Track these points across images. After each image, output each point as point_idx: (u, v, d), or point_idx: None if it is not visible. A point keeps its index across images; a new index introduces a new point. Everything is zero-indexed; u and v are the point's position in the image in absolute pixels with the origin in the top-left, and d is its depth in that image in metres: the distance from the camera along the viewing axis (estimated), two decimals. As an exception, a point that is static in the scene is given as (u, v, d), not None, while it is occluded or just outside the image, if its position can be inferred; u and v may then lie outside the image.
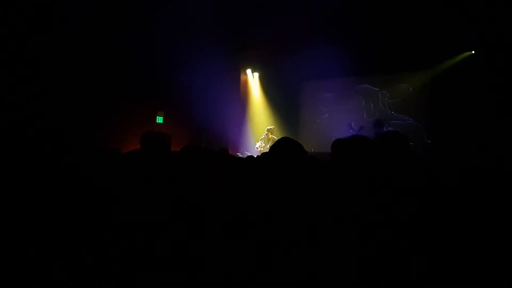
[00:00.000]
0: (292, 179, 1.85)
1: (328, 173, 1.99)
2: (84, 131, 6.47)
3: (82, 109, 6.71)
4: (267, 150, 8.13)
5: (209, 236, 1.80)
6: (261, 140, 9.48)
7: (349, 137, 2.07)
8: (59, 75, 6.29)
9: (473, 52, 9.09)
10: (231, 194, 1.97)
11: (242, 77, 11.46)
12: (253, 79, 11.71)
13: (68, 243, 1.93)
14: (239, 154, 9.50)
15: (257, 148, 9.38)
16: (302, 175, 1.86)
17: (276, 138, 9.25)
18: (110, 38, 7.09)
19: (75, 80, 6.62)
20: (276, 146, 2.03)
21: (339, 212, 1.67)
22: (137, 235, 1.87)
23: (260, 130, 10.70)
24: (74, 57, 6.49)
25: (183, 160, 2.22)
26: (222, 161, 2.80)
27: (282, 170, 1.89)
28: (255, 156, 6.66)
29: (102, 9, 6.83)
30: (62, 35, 6.27)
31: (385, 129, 8.18)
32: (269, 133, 9.38)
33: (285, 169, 1.88)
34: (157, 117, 9.01)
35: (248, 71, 11.55)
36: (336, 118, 10.53)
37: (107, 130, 7.26)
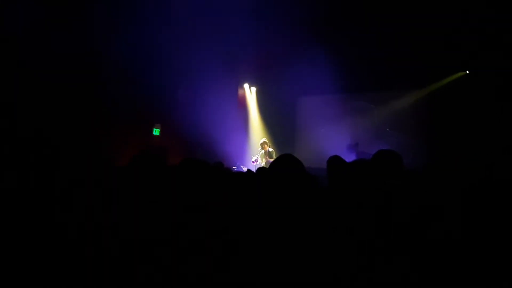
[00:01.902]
0: (292, 198, 1.86)
1: (325, 193, 2.01)
2: (80, 143, 6.47)
3: (79, 121, 6.73)
4: (263, 163, 8.15)
5: (209, 253, 1.81)
6: (257, 154, 9.51)
7: (346, 162, 2.09)
8: (54, 86, 6.33)
9: (467, 72, 9.23)
10: (230, 211, 1.98)
11: (240, 91, 11.55)
12: (250, 94, 11.80)
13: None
14: (235, 168, 9.51)
15: (253, 162, 9.40)
16: (302, 195, 1.87)
17: (271, 150, 9.29)
18: (107, 49, 7.14)
19: (71, 92, 6.67)
20: (277, 163, 2.02)
21: (335, 232, 1.69)
22: (134, 252, 1.88)
23: (256, 143, 10.74)
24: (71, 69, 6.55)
25: (183, 174, 2.24)
26: (221, 176, 2.81)
27: (283, 188, 1.89)
28: (251, 169, 6.68)
29: (98, 22, 6.90)
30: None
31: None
32: (265, 146, 9.41)
33: (285, 187, 1.89)
34: (154, 129, 9.05)
35: (246, 85, 11.65)
36: (332, 134, 10.57)
37: (104, 142, 7.26)
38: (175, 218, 1.96)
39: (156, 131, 9.02)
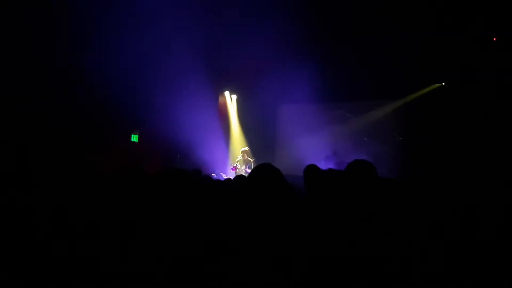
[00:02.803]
0: (270, 209, 1.86)
1: (304, 203, 2.02)
2: (57, 150, 6.35)
3: (55, 128, 6.63)
4: (243, 172, 8.16)
5: (190, 262, 1.80)
6: (237, 162, 9.51)
7: (322, 170, 2.12)
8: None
9: (443, 83, 9.49)
10: (208, 219, 1.98)
11: (220, 99, 11.55)
12: (231, 101, 11.82)
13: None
14: (214, 175, 9.48)
15: (232, 169, 9.40)
16: (280, 205, 1.88)
17: (250, 160, 9.32)
18: (83, 56, 7.07)
19: (49, 98, 6.58)
20: (256, 172, 2.03)
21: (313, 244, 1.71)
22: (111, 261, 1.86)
23: (236, 151, 10.74)
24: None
25: (161, 184, 2.22)
26: (198, 184, 2.80)
27: (261, 198, 1.90)
28: (230, 178, 6.67)
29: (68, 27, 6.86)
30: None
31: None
32: (244, 154, 9.42)
33: (264, 198, 1.90)
34: (132, 135, 8.95)
35: (226, 93, 11.66)
36: (311, 142, 10.67)
37: (82, 148, 7.13)
38: (156, 228, 1.95)
39: (135, 138, 8.92)
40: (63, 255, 1.94)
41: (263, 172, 2.12)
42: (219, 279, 1.76)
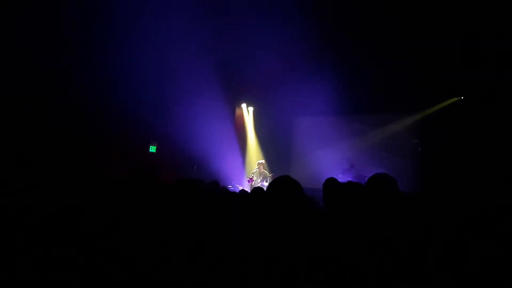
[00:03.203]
0: (289, 221, 1.87)
1: (322, 216, 2.03)
2: (76, 160, 6.49)
3: (75, 137, 6.78)
4: (259, 184, 8.16)
5: (206, 272, 1.82)
6: (252, 173, 9.53)
7: (341, 183, 2.12)
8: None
9: (462, 97, 9.39)
10: (226, 231, 2.00)
11: (237, 111, 11.64)
12: (247, 113, 11.90)
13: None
14: (230, 187, 9.51)
15: (248, 180, 9.42)
16: (300, 217, 1.89)
17: (266, 172, 9.34)
18: (104, 67, 7.25)
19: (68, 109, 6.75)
20: (276, 185, 2.04)
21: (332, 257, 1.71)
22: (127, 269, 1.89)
23: (252, 163, 10.76)
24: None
25: (177, 194, 2.26)
26: (217, 196, 2.83)
27: (281, 209, 1.91)
28: (246, 189, 6.69)
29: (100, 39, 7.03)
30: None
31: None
32: (261, 167, 9.45)
33: (283, 209, 1.91)
34: (150, 146, 9.08)
35: (243, 105, 11.75)
36: (327, 155, 10.62)
37: (101, 159, 7.27)
38: (167, 235, 1.98)
39: (153, 148, 9.04)
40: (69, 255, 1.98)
41: (283, 185, 2.14)
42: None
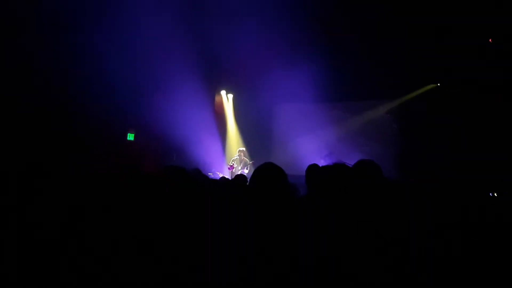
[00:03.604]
0: (275, 208, 1.86)
1: (308, 202, 2.03)
2: (53, 150, 6.31)
3: (51, 126, 6.60)
4: (240, 171, 8.17)
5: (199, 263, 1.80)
6: (233, 161, 9.51)
7: (327, 166, 2.12)
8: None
9: (438, 84, 9.55)
10: (213, 220, 1.98)
11: (217, 98, 11.53)
12: (227, 101, 11.81)
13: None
14: (211, 174, 9.46)
15: (229, 168, 9.39)
16: (285, 205, 1.88)
17: (247, 160, 9.33)
18: (81, 52, 7.05)
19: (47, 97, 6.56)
20: (261, 172, 2.03)
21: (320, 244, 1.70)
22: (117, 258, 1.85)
23: (232, 150, 10.73)
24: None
25: (166, 182, 2.21)
26: (199, 184, 2.79)
27: (267, 197, 1.90)
28: (227, 176, 6.66)
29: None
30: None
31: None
32: (241, 154, 9.43)
33: (269, 197, 1.90)
34: (128, 134, 8.92)
35: (223, 92, 11.65)
36: (307, 142, 10.68)
37: (76, 146, 7.09)
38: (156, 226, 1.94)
39: (131, 136, 8.88)
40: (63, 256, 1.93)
41: (268, 172, 2.13)
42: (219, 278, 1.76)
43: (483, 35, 7.79)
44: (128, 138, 8.89)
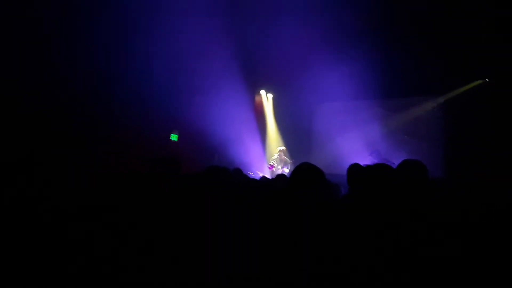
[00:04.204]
0: (313, 207, 1.86)
1: (347, 202, 2.01)
2: (96, 151, 6.57)
3: (95, 128, 6.87)
4: (280, 171, 8.18)
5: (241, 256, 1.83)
6: (273, 160, 9.52)
7: (368, 166, 2.08)
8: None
9: (487, 79, 9.10)
10: (253, 218, 2.00)
11: (256, 98, 11.60)
12: (267, 100, 11.85)
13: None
14: (251, 174, 9.53)
15: (269, 167, 9.42)
16: (323, 203, 1.88)
17: (287, 159, 9.32)
18: (123, 55, 7.27)
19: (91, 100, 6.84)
20: (297, 172, 2.04)
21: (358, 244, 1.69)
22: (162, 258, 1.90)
23: (272, 150, 10.76)
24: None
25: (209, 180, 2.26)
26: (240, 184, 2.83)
27: (305, 196, 1.91)
28: (267, 176, 6.69)
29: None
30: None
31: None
32: (281, 154, 9.43)
33: (307, 196, 1.90)
34: (172, 134, 9.15)
35: (262, 92, 11.71)
36: (348, 141, 10.52)
37: (122, 149, 7.34)
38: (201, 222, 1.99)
39: (174, 137, 9.11)
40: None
41: (305, 172, 2.13)
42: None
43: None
44: (171, 139, 9.12)
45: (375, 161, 8.40)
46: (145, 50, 7.46)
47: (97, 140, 6.86)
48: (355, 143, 10.08)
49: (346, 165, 3.26)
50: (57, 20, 6.32)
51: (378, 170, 2.05)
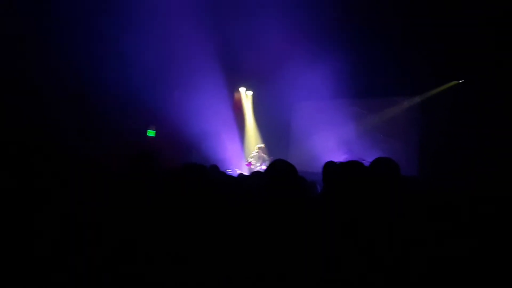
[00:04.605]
0: (285, 202, 1.87)
1: (321, 199, 2.02)
2: (71, 145, 6.42)
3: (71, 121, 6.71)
4: (258, 168, 8.20)
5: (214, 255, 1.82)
6: (251, 157, 9.53)
7: (342, 163, 2.10)
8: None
9: (461, 80, 9.33)
10: (225, 214, 1.99)
11: (236, 95, 11.57)
12: (246, 98, 11.83)
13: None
14: (229, 171, 9.51)
15: (247, 164, 9.43)
16: (296, 199, 1.88)
17: (265, 156, 9.33)
18: (101, 50, 7.13)
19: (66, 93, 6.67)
20: (272, 169, 2.05)
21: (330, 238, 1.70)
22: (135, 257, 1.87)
23: (251, 147, 10.75)
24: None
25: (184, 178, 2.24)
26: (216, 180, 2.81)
27: (277, 192, 1.91)
28: (244, 173, 6.69)
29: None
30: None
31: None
32: (260, 151, 9.44)
33: (280, 192, 1.90)
34: (148, 130, 9.04)
35: (242, 89, 11.68)
36: (325, 139, 10.62)
37: (96, 144, 7.19)
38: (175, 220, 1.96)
39: (151, 133, 9.00)
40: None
41: (279, 168, 2.14)
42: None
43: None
44: (148, 135, 9.01)
45: (350, 159, 8.50)
46: (122, 45, 7.32)
47: (71, 135, 6.70)
48: (332, 141, 10.20)
49: (323, 163, 3.28)
50: (31, 13, 6.14)
51: (350, 167, 2.06)
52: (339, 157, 9.18)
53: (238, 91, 11.69)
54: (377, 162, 2.10)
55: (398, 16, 7.53)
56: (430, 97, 9.85)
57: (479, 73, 8.42)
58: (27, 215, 2.02)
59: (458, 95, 9.17)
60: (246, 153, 11.04)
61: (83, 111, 7.11)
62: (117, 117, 7.78)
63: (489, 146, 7.89)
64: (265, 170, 2.15)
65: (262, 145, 9.64)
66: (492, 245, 1.79)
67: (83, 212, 2.10)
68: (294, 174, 1.97)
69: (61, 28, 6.60)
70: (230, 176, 4.23)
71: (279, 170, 2.02)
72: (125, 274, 1.89)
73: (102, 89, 7.32)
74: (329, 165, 3.18)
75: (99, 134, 7.38)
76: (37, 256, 1.89)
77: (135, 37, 7.41)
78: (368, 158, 7.89)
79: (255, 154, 9.50)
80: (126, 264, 1.92)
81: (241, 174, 4.89)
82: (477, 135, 8.27)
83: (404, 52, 8.66)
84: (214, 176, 3.55)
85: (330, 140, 10.28)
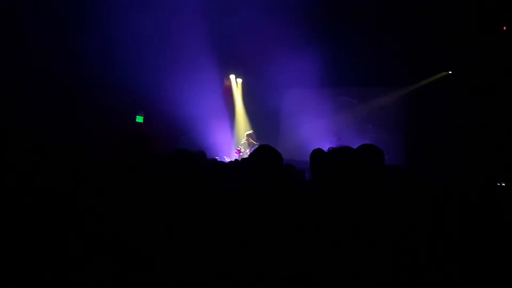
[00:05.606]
0: (270, 188, 1.87)
1: (307, 184, 2.03)
2: (59, 132, 6.34)
3: (58, 108, 6.62)
4: (247, 155, 8.22)
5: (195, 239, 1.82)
6: (241, 145, 9.53)
7: (329, 151, 2.10)
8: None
9: (450, 72, 9.40)
10: (211, 199, 1.99)
11: (226, 82, 11.50)
12: (236, 85, 11.77)
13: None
14: (218, 158, 9.49)
15: (236, 152, 9.43)
16: (280, 184, 1.89)
17: (255, 143, 9.34)
18: (90, 36, 7.03)
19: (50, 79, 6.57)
20: (256, 154, 2.04)
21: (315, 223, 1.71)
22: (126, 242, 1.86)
23: (241, 135, 10.74)
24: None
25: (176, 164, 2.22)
26: (202, 166, 2.80)
27: (261, 178, 1.91)
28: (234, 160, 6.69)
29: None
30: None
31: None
32: (249, 138, 9.44)
33: (263, 177, 1.90)
34: (137, 116, 8.96)
35: (232, 76, 11.61)
36: (315, 127, 10.65)
37: (85, 129, 7.13)
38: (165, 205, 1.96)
39: (140, 119, 8.93)
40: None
41: (263, 154, 2.13)
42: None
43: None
44: (137, 120, 8.94)
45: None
46: (111, 29, 7.21)
47: (61, 121, 6.61)
48: (322, 129, 10.22)
49: (311, 151, 3.29)
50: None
51: (336, 155, 2.07)
52: (328, 145, 9.21)
53: (228, 78, 11.61)
54: (361, 148, 2.12)
55: (388, 5, 7.52)
56: (419, 87, 9.90)
57: (468, 64, 8.49)
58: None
59: (447, 86, 9.25)
60: (236, 140, 11.03)
61: (70, 98, 7.01)
62: (105, 103, 7.70)
63: (477, 137, 8.01)
64: (249, 155, 2.15)
65: (251, 132, 9.63)
66: (475, 235, 1.82)
67: (76, 200, 2.08)
68: (278, 159, 1.97)
69: (47, 14, 6.47)
70: (217, 162, 4.24)
71: (263, 155, 2.01)
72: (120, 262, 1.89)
73: (89, 73, 7.23)
74: (316, 152, 3.19)
75: (87, 118, 7.29)
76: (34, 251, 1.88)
77: (124, 23, 7.29)
78: (355, 147, 7.98)
79: (244, 141, 9.50)
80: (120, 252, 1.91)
81: (231, 161, 4.91)
82: (465, 126, 8.39)
83: (394, 43, 8.68)
84: (201, 162, 3.54)
85: (319, 128, 10.31)
